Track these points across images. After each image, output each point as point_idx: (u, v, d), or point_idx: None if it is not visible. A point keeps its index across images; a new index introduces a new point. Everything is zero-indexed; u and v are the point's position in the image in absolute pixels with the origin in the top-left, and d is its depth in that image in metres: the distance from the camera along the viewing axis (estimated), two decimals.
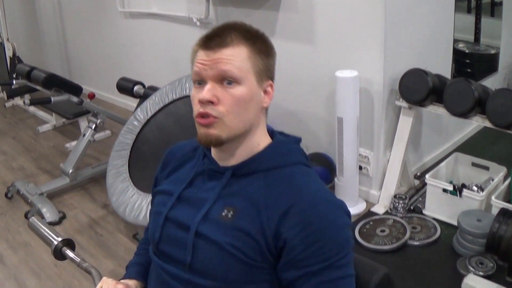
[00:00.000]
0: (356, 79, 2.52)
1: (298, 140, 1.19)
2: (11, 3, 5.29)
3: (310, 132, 3.02)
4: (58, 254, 1.45)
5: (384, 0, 2.39)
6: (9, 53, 4.85)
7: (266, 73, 1.10)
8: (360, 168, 2.76)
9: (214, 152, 1.16)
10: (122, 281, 1.23)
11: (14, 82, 3.64)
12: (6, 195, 3.30)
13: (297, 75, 2.93)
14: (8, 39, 4.81)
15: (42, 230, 1.50)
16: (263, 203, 1.04)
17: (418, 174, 2.89)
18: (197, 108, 1.06)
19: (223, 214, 1.07)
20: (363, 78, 2.59)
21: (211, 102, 1.03)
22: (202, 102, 1.04)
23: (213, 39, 1.05)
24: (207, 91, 1.03)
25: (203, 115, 1.05)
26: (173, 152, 1.30)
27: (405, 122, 2.67)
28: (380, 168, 2.77)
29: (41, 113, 4.78)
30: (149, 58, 4.20)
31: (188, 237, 1.07)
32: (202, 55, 1.06)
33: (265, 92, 1.11)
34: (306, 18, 2.77)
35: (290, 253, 1.01)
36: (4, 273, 2.58)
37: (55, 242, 1.45)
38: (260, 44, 1.09)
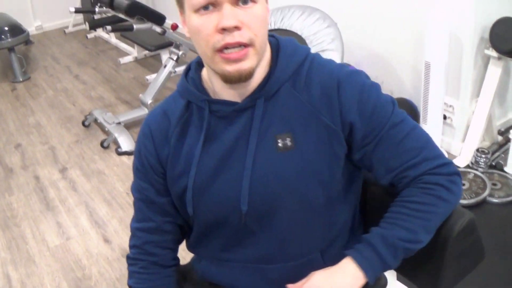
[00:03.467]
0: (446, 22, 2.37)
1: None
2: None
3: (395, 76, 2.91)
4: None
5: None
6: None
7: None
8: (444, 117, 2.64)
9: (223, 91, 0.97)
10: None
11: (97, 10, 3.63)
12: (83, 123, 3.36)
13: (384, 15, 2.80)
14: None
15: None
16: (314, 105, 0.97)
17: (502, 130, 2.74)
18: (215, 40, 0.87)
19: (280, 145, 0.96)
20: (453, 23, 2.44)
21: (236, 28, 0.86)
22: (227, 30, 0.85)
23: None
24: (230, 16, 0.84)
25: (233, 46, 0.86)
26: (158, 122, 1.06)
27: (493, 73, 2.51)
28: (465, 119, 2.64)
29: (123, 45, 4.83)
30: None
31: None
32: None
33: None
34: None
35: (357, 134, 0.97)
36: (75, 200, 2.64)
37: None
38: None
